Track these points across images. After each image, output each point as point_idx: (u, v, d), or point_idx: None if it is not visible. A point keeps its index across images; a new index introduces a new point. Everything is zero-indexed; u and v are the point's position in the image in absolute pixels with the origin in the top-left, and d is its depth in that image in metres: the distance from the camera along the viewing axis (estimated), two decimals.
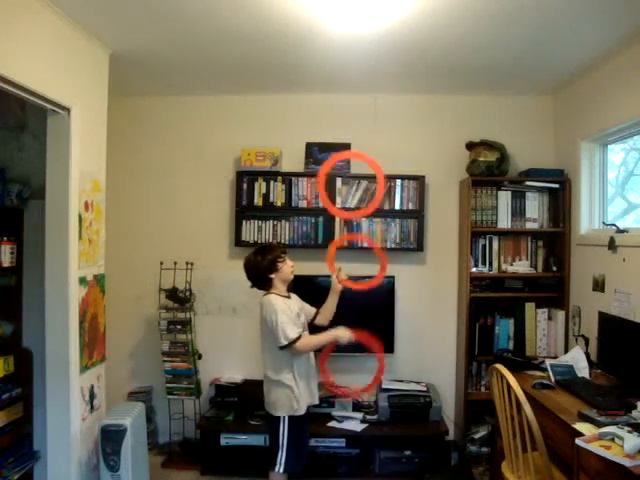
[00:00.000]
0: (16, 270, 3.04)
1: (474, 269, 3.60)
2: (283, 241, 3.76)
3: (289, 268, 2.71)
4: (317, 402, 2.80)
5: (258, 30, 2.74)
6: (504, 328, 3.61)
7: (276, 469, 2.62)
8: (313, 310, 2.87)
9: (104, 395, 3.04)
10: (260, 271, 2.65)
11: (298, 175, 3.78)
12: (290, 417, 2.62)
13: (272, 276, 2.65)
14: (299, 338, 2.57)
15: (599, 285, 3.10)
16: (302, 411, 2.64)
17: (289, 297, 2.74)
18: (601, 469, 1.92)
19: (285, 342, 2.54)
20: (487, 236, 3.64)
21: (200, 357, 3.73)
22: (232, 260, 3.87)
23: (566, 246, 3.53)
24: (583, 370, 2.81)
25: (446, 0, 2.39)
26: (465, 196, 3.66)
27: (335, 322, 2.91)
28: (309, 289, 3.28)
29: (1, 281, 3.01)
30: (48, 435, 2.69)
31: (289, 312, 2.62)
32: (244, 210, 3.79)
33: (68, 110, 2.65)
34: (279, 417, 2.63)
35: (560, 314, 3.54)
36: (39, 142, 2.95)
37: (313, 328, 2.81)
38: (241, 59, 3.20)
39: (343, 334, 2.65)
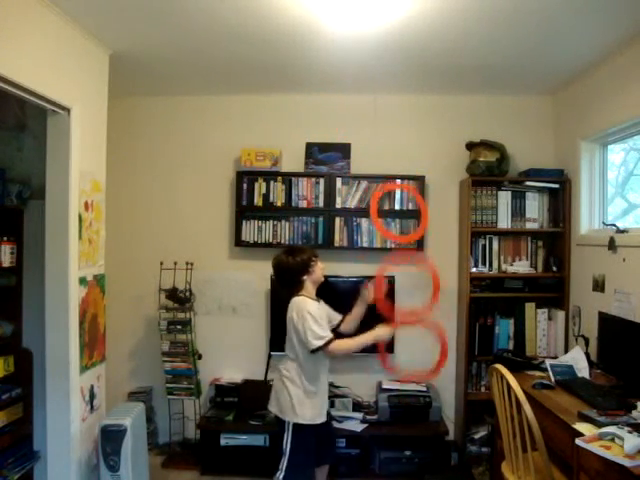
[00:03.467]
0: (16, 270, 3.05)
1: (474, 269, 3.60)
2: (283, 241, 3.76)
3: (321, 270, 2.65)
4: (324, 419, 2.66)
5: (258, 30, 2.74)
6: (504, 328, 3.61)
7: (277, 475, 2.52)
8: (339, 317, 2.76)
9: (104, 395, 3.04)
10: (293, 272, 2.58)
11: (298, 175, 3.78)
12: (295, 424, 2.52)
13: (304, 278, 2.59)
14: (332, 340, 2.49)
15: (599, 285, 3.10)
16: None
17: (318, 301, 2.66)
18: (601, 469, 1.92)
19: (320, 343, 2.45)
20: (487, 236, 3.63)
21: (200, 357, 3.73)
22: (232, 260, 3.88)
23: (566, 246, 3.52)
24: (583, 370, 2.81)
25: (445, 0, 2.39)
26: (465, 196, 3.66)
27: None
28: None
29: (1, 281, 3.01)
30: (48, 435, 2.69)
31: (321, 315, 2.57)
32: (244, 210, 3.79)
33: (68, 110, 2.65)
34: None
35: (560, 314, 3.54)
36: (39, 142, 2.96)
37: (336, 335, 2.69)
38: (241, 59, 3.19)
39: (384, 332, 2.60)
